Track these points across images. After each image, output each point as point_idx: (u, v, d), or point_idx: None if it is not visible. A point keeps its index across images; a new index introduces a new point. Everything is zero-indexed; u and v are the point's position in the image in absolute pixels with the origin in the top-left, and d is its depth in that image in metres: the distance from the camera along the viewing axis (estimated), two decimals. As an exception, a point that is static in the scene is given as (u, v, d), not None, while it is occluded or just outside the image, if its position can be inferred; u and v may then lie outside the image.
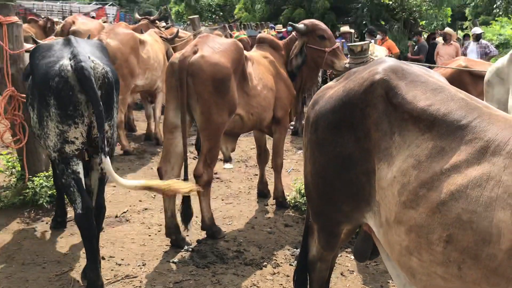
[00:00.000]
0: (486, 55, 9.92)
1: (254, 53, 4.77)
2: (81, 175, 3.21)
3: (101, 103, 3.04)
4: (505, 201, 1.71)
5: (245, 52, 4.42)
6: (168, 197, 3.98)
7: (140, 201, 5.08)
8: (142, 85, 7.02)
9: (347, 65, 4.31)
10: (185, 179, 3.96)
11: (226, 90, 3.91)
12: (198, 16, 8.57)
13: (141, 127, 8.49)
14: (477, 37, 10.66)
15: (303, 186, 3.08)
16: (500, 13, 23.22)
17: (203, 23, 23.71)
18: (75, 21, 9.37)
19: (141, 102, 8.65)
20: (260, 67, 4.55)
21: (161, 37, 7.73)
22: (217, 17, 26.56)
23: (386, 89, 2.18)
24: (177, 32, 8.26)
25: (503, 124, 1.89)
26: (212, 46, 4.01)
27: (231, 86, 3.97)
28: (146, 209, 4.89)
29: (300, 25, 4.89)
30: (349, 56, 4.31)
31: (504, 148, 1.80)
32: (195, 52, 3.87)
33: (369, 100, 2.22)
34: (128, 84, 6.59)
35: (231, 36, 8.16)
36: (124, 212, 4.79)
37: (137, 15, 9.91)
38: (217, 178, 5.89)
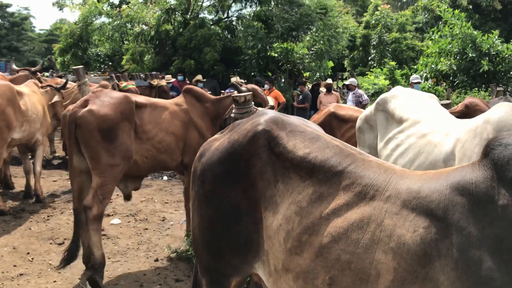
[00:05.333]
0: (360, 104, 10.76)
1: (161, 101, 5.04)
2: None
3: None
4: (387, 245, 1.76)
5: (141, 100, 4.69)
6: None
7: (14, 266, 4.60)
8: (19, 138, 6.54)
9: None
10: None
11: (114, 137, 4.29)
12: (82, 66, 8.25)
13: (20, 184, 7.82)
14: (349, 87, 11.62)
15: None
16: (374, 64, 25.58)
17: (91, 72, 23.01)
18: None
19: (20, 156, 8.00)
20: (165, 113, 4.82)
21: (51, 86, 7.40)
22: (106, 66, 25.87)
23: (269, 139, 2.23)
24: (66, 81, 7.93)
25: (378, 170, 2.00)
26: (103, 100, 4.39)
27: (120, 134, 4.32)
28: (21, 274, 4.42)
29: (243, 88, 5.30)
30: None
31: (383, 193, 1.88)
32: (84, 106, 4.31)
33: (253, 150, 2.25)
34: (4, 138, 6.11)
35: (118, 86, 7.96)
36: (-5, 281, 4.29)
37: (14, 66, 9.30)
38: (104, 234, 5.54)
